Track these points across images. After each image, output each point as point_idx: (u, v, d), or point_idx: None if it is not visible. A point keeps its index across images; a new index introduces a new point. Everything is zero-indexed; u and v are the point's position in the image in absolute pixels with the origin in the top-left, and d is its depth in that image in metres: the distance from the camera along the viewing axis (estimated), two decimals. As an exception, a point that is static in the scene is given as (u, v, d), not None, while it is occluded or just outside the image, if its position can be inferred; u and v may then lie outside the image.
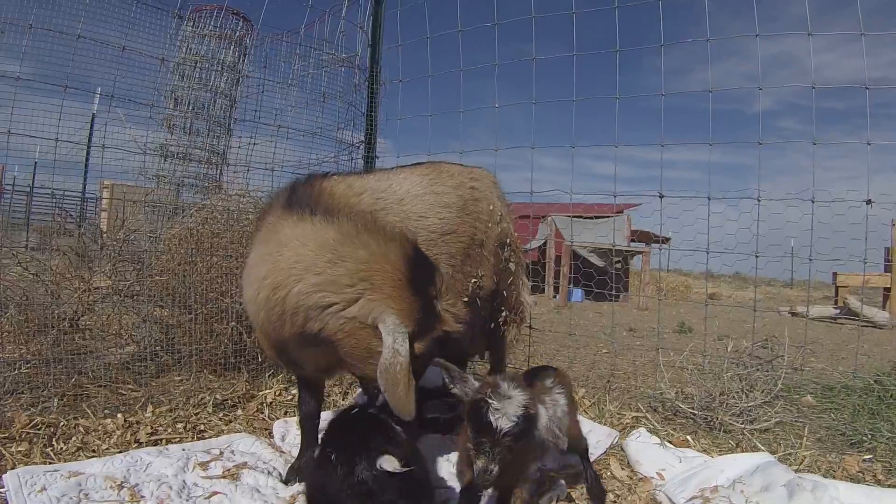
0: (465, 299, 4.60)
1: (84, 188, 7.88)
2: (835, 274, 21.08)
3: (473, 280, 4.68)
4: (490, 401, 2.95)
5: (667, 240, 13.08)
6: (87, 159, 6.79)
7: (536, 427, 3.06)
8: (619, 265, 22.81)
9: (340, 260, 3.36)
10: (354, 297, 3.27)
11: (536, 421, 3.05)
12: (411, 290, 3.27)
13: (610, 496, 4.38)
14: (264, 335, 3.81)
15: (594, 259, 23.49)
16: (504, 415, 2.89)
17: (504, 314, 5.28)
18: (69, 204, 9.73)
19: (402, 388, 3.00)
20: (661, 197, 5.95)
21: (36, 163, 6.79)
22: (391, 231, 3.51)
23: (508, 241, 5.18)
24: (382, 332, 3.15)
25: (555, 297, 21.93)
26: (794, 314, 19.23)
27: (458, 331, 3.40)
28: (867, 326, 15.65)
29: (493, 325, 5.23)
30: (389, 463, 3.03)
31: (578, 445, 4.21)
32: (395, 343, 3.09)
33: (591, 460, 4.87)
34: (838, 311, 19.40)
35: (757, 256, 5.66)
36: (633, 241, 25.30)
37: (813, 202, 5.30)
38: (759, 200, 5.56)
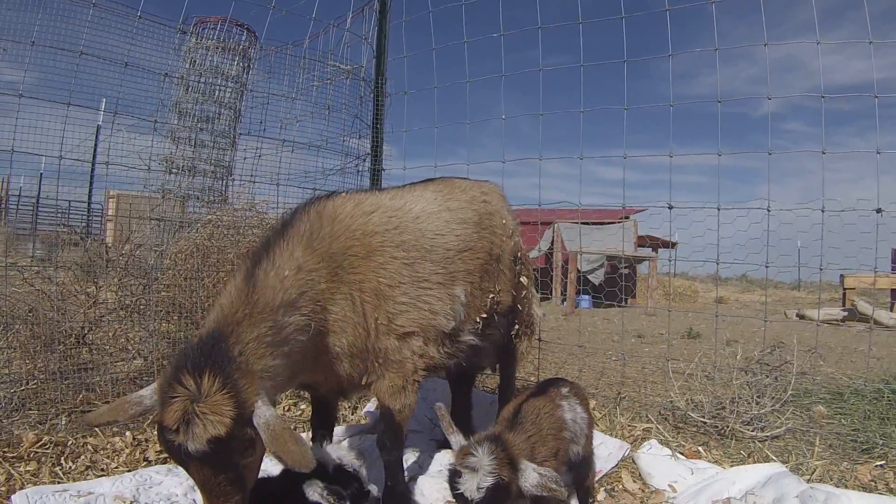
0: (484, 315, 4.59)
1: (89, 200, 7.88)
2: (842, 276, 21.01)
3: (491, 296, 4.66)
4: (461, 470, 3.00)
5: (674, 244, 13.04)
6: (92, 171, 6.79)
7: (519, 490, 3.05)
8: (626, 271, 22.73)
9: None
10: None
11: (513, 486, 3.03)
12: (198, 356, 2.94)
13: (622, 510, 4.37)
14: None
15: (592, 277, 23.50)
16: (471, 487, 2.93)
17: (517, 327, 5.27)
18: (75, 214, 9.75)
19: None
20: (671, 208, 5.92)
21: (41, 174, 6.78)
22: (253, 294, 3.27)
23: (520, 254, 5.18)
24: None
25: (562, 302, 21.91)
26: (801, 317, 19.18)
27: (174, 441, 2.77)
28: (876, 328, 15.56)
29: (505, 339, 5.22)
30: None
31: (583, 471, 4.11)
32: None
33: (604, 474, 4.86)
34: (846, 313, 19.33)
35: (767, 267, 5.63)
36: (640, 245, 25.25)
37: (823, 211, 5.26)
38: (769, 210, 5.53)
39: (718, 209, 5.74)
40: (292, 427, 5.66)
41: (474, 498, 2.92)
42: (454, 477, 3.01)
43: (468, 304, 4.39)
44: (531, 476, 3.03)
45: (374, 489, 3.52)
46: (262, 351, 3.11)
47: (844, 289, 21.51)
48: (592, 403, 6.42)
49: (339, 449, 3.57)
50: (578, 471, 3.98)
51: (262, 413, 2.82)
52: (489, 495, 2.92)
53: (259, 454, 3.02)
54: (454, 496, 3.04)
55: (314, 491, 3.26)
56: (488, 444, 3.08)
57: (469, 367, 5.11)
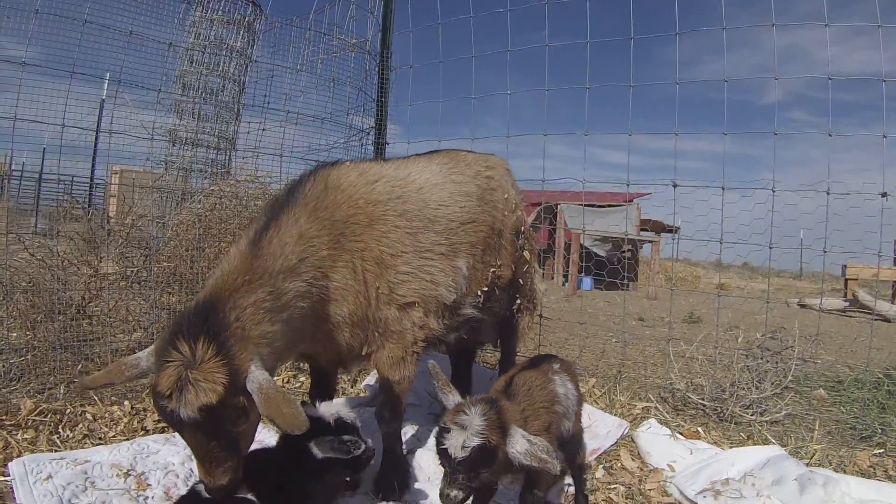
0: (485, 289, 4.58)
1: (92, 173, 7.87)
2: (844, 266, 20.98)
3: (493, 269, 4.65)
4: (450, 426, 2.92)
5: (676, 229, 13.04)
6: (95, 144, 6.78)
7: (507, 455, 2.93)
8: (628, 254, 22.68)
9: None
10: None
11: (499, 451, 2.92)
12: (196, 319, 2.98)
13: (621, 487, 4.35)
14: None
15: (597, 249, 23.39)
16: (456, 445, 2.85)
17: (518, 302, 5.26)
18: (78, 189, 9.74)
19: None
20: (675, 186, 5.89)
21: (45, 148, 6.76)
22: (253, 264, 3.29)
23: (522, 228, 5.16)
24: None
25: (564, 284, 21.91)
26: (802, 306, 19.16)
27: (167, 407, 2.79)
28: (877, 320, 15.53)
29: (507, 314, 5.21)
30: None
31: (573, 448, 3.99)
32: None
33: (602, 451, 4.85)
34: (847, 303, 19.31)
35: (771, 248, 5.60)
36: (643, 229, 25.21)
37: (828, 194, 5.24)
38: (773, 191, 5.50)
39: (723, 188, 5.71)
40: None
41: (457, 457, 2.84)
42: (442, 433, 2.93)
43: (470, 276, 4.39)
44: (520, 443, 2.93)
45: (370, 442, 3.49)
46: (259, 316, 3.10)
47: (846, 279, 21.49)
48: (592, 382, 6.43)
49: (333, 405, 3.52)
50: (569, 448, 3.93)
51: (256, 377, 2.84)
52: (473, 455, 2.84)
53: (254, 421, 3.03)
54: (438, 451, 2.95)
55: (323, 447, 3.24)
56: (482, 406, 3.00)
57: (469, 341, 5.11)
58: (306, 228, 3.57)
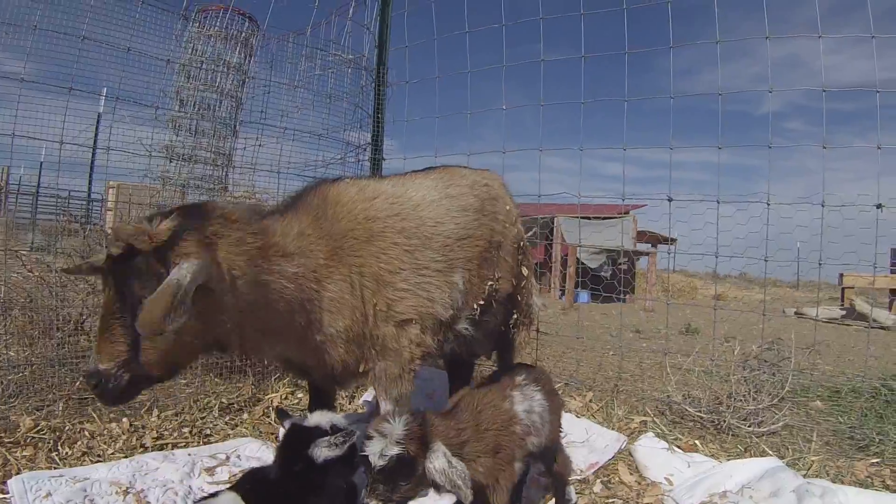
0: (482, 302, 4.58)
1: (90, 189, 7.87)
2: (841, 275, 21.03)
3: (490, 283, 4.63)
4: (372, 433, 2.93)
5: (673, 241, 13.05)
6: (92, 160, 6.78)
7: (426, 470, 2.91)
8: (624, 266, 22.68)
9: None
10: None
11: (418, 464, 2.91)
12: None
13: (618, 502, 4.36)
14: None
15: (588, 262, 23.39)
16: (375, 452, 2.85)
17: (515, 316, 5.26)
18: (75, 204, 9.73)
19: None
20: (671, 200, 5.92)
21: (41, 163, 6.76)
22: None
23: (522, 243, 5.16)
24: None
25: (561, 297, 21.89)
26: (800, 315, 19.17)
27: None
28: (874, 328, 15.52)
29: (503, 328, 5.20)
30: None
31: (549, 460, 3.97)
32: None
33: (600, 465, 4.85)
34: (844, 312, 19.33)
35: (766, 260, 5.62)
36: (639, 242, 25.22)
37: (823, 206, 5.26)
38: (768, 204, 5.53)
39: (718, 202, 5.73)
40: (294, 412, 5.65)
41: (376, 465, 2.84)
42: (366, 439, 2.93)
43: (466, 291, 4.36)
44: (439, 460, 2.91)
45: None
46: (237, 249, 3.26)
47: (843, 287, 21.52)
48: (589, 395, 6.42)
49: (325, 414, 3.54)
50: (545, 460, 3.91)
51: (179, 269, 2.91)
52: (391, 465, 2.85)
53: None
54: (360, 458, 2.96)
55: (322, 448, 3.27)
56: (407, 418, 2.99)
57: (465, 354, 5.10)
58: (309, 232, 3.66)
